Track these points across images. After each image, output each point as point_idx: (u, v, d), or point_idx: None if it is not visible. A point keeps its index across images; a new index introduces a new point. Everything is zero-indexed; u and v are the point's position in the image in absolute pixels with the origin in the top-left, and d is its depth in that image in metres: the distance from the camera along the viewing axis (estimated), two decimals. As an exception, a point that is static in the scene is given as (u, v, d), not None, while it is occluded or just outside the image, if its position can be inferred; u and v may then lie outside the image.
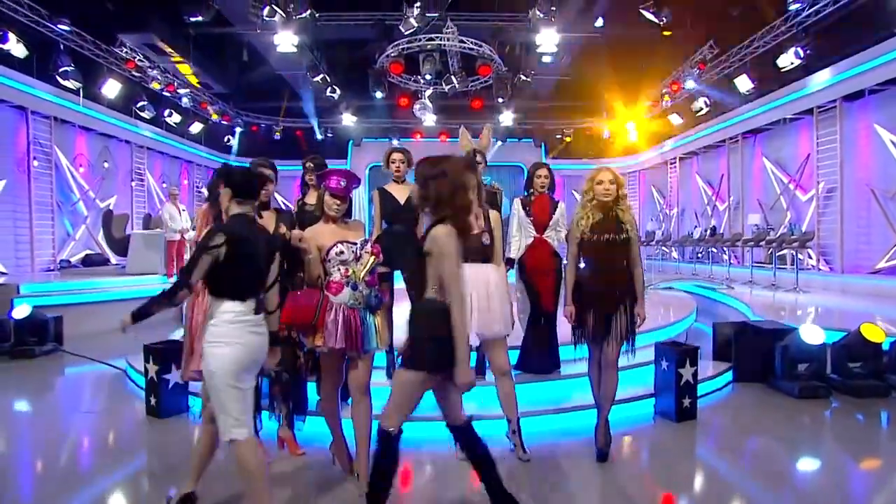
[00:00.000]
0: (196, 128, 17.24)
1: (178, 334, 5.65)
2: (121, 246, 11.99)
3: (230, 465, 2.94)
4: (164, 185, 16.34)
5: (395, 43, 13.65)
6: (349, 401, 3.42)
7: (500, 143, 19.10)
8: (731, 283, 11.45)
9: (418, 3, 11.48)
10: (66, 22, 11.58)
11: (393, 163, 4.38)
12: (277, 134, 19.75)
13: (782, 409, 4.96)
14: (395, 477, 2.85)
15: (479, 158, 4.61)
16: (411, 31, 12.40)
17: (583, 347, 3.87)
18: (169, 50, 13.93)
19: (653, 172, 20.22)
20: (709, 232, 15.44)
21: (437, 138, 19.40)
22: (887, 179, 10.49)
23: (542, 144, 20.63)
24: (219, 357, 2.66)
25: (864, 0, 10.16)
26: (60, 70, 11.74)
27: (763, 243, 11.89)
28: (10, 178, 11.16)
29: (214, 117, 17.87)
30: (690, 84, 15.05)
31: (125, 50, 13.43)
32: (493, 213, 3.84)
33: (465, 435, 2.83)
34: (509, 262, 4.69)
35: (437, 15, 11.83)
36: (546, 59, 14.11)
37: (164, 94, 15.16)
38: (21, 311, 7.13)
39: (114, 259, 13.12)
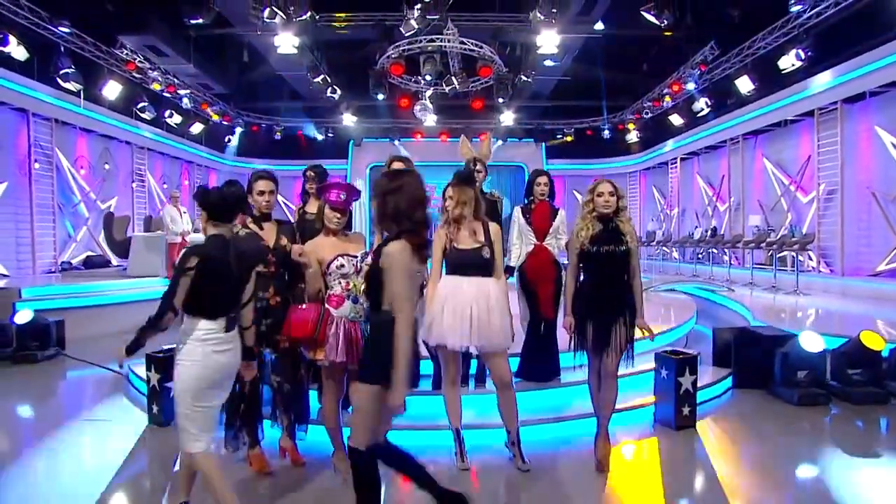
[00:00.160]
0: (197, 128, 17.26)
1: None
2: (122, 248, 11.98)
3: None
4: (165, 186, 16.37)
5: (396, 44, 13.64)
6: (350, 409, 3.44)
7: (500, 142, 19.09)
8: (732, 284, 11.47)
9: (419, 5, 11.46)
10: (66, 24, 11.55)
11: None
12: (278, 134, 19.77)
13: (782, 416, 4.98)
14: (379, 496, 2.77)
15: (478, 167, 4.65)
16: (412, 32, 12.38)
17: (582, 355, 3.88)
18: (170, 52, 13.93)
19: (653, 173, 20.22)
20: (709, 233, 15.46)
21: (438, 138, 19.41)
22: (888, 182, 10.49)
23: (543, 145, 20.62)
24: (183, 375, 2.80)
25: (866, 2, 10.13)
26: (61, 72, 11.72)
27: (763, 245, 11.89)
28: (11, 180, 11.17)
29: (215, 118, 17.87)
30: (691, 85, 15.04)
31: (125, 51, 13.43)
32: (493, 226, 3.82)
33: (365, 459, 2.66)
34: (509, 270, 4.71)
35: (437, 17, 11.80)
36: (547, 61, 14.12)
37: (165, 94, 15.17)
38: (23, 315, 7.14)
39: (115, 261, 13.12)
